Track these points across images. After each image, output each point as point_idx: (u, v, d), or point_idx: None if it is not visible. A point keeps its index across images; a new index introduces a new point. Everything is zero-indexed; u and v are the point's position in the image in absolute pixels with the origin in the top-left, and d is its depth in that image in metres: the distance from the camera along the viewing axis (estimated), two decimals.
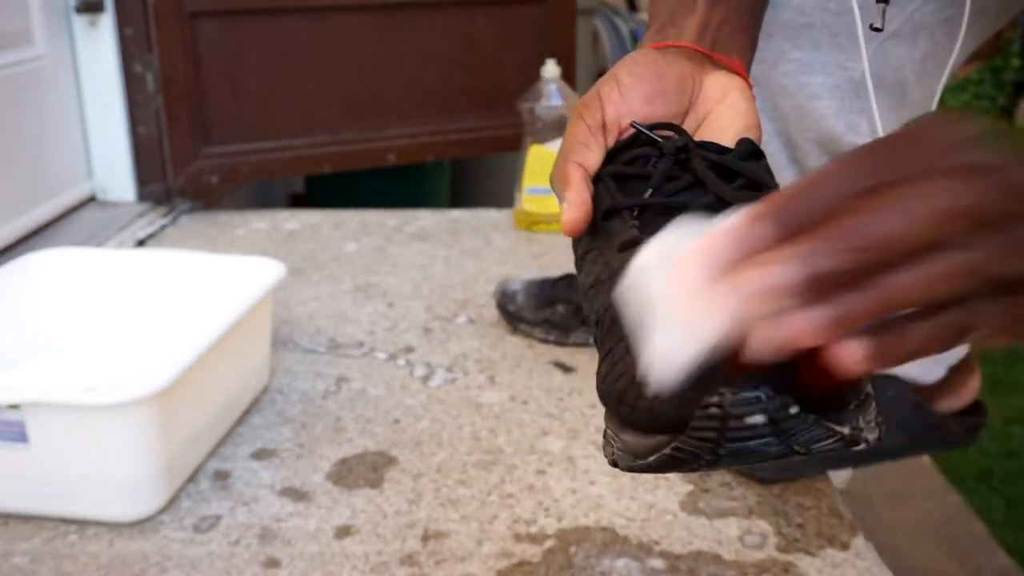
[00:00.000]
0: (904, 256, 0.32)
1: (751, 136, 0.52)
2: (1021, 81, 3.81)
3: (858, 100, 0.75)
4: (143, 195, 1.64)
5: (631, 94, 0.51)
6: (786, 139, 0.77)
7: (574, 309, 1.10)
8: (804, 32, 0.73)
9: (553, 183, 0.51)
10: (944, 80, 0.75)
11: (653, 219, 0.47)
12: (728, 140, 0.51)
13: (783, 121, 0.76)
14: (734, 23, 0.56)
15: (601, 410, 0.49)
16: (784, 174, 0.78)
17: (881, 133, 0.77)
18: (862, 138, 0.76)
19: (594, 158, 0.51)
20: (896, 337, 0.33)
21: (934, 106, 0.75)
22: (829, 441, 0.38)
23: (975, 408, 0.96)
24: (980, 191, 0.32)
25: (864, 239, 0.32)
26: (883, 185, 0.32)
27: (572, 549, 0.76)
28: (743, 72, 0.55)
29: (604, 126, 0.51)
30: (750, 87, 0.54)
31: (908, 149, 0.33)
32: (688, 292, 0.33)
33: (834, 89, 0.74)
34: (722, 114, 0.52)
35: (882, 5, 0.67)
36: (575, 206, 0.49)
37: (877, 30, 0.68)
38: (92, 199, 1.63)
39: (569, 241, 0.53)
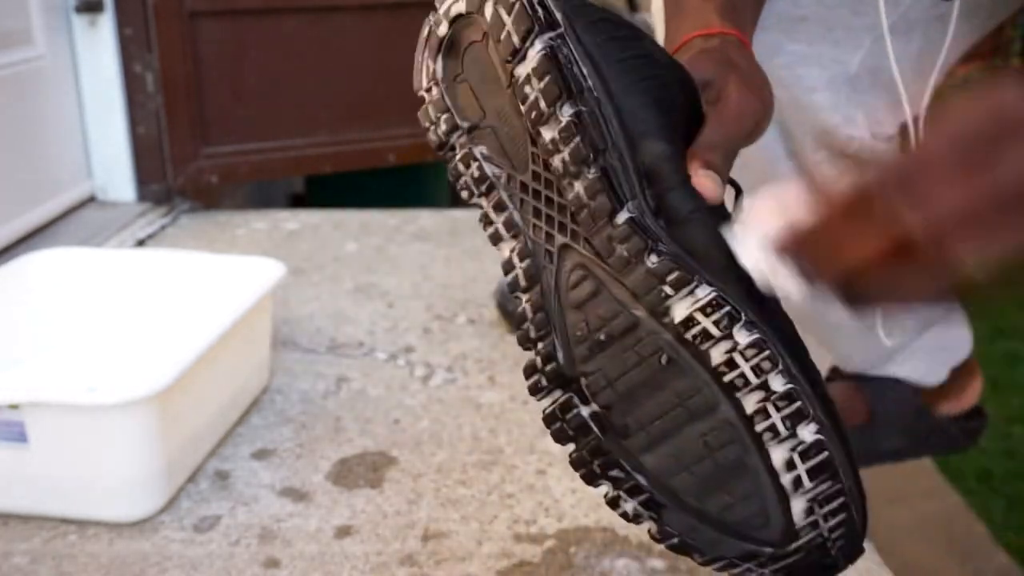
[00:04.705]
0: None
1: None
2: None
3: (855, 94, 0.75)
4: (143, 195, 1.64)
5: None
6: (782, 130, 0.77)
7: None
8: (799, 25, 0.73)
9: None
10: (936, 75, 0.75)
11: None
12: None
13: (779, 112, 0.76)
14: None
15: None
16: (781, 167, 0.78)
17: (880, 127, 0.77)
18: (859, 131, 0.76)
19: None
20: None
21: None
22: None
23: (975, 412, 0.96)
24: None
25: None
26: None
27: (572, 549, 0.76)
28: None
29: None
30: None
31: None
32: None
33: (830, 83, 0.74)
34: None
35: None
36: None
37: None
38: (92, 199, 1.63)
39: None
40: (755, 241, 0.43)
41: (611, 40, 0.48)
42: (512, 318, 1.15)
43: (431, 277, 1.35)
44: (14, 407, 0.74)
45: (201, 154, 1.66)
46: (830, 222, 0.39)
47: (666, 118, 0.48)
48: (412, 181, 2.21)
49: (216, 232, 1.56)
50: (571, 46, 0.46)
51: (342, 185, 2.04)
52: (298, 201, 2.48)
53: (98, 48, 1.57)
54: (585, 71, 0.46)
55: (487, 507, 0.82)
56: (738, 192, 0.52)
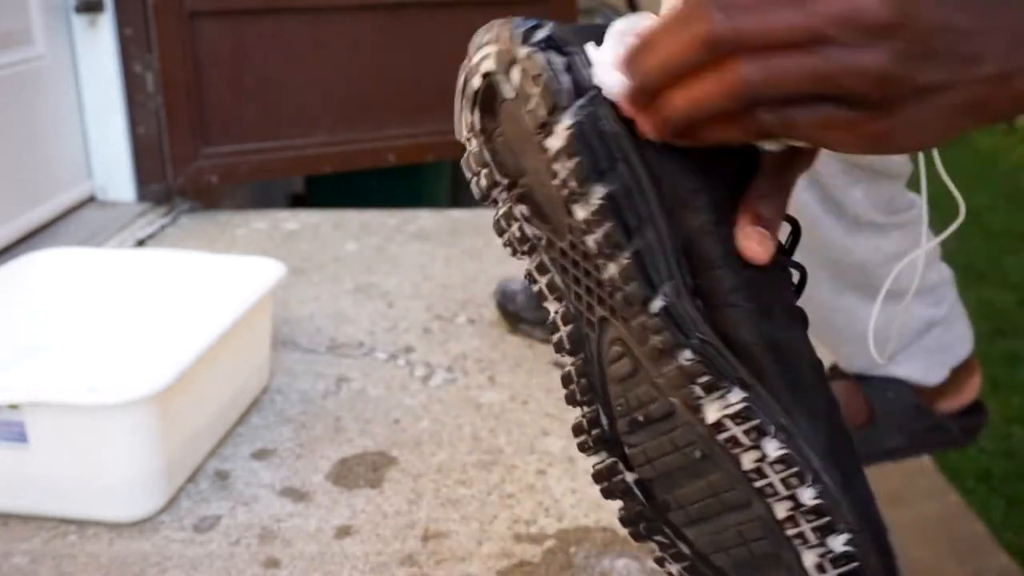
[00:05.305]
0: (794, 41, 0.36)
1: None
2: None
3: None
4: (143, 195, 1.64)
5: None
6: None
7: None
8: None
9: None
10: None
11: None
12: None
13: None
14: None
15: None
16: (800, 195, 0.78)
17: None
18: None
19: None
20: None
21: None
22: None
23: (975, 408, 0.96)
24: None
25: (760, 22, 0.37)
26: None
27: (572, 549, 0.76)
28: None
29: None
30: None
31: None
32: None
33: None
34: None
35: None
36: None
37: None
38: (92, 199, 1.63)
39: None
40: (606, 53, 0.43)
41: None
42: (511, 318, 1.15)
43: (431, 277, 1.36)
44: (14, 407, 0.74)
45: (201, 154, 1.66)
46: (659, 29, 0.40)
47: (708, 177, 0.44)
48: (412, 181, 2.22)
49: (216, 232, 1.56)
50: (603, 111, 0.43)
51: (342, 185, 2.04)
52: (298, 201, 2.48)
53: (98, 48, 1.57)
54: (618, 140, 0.43)
55: (487, 507, 0.82)
56: (794, 228, 0.49)
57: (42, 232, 1.45)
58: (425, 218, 1.63)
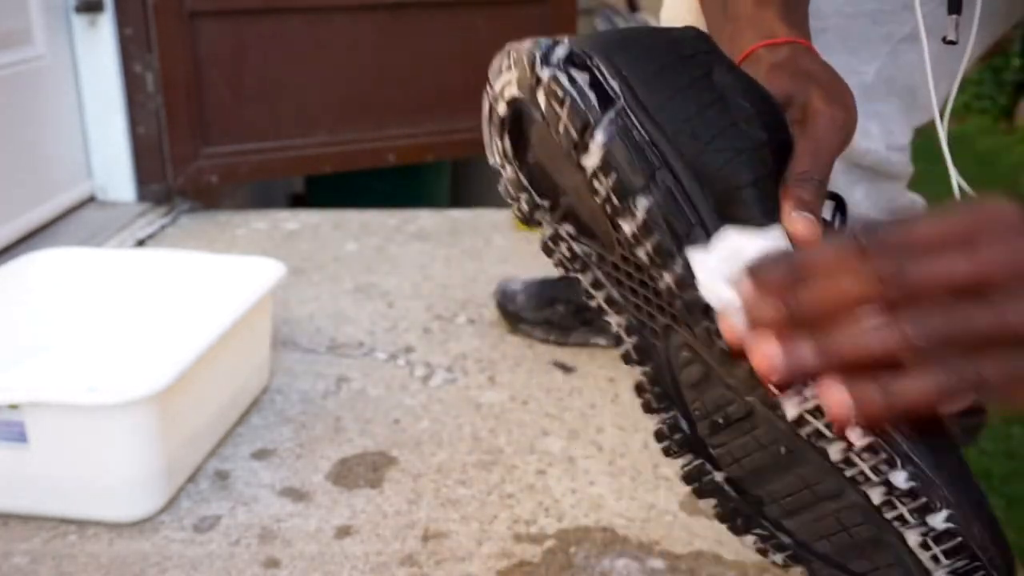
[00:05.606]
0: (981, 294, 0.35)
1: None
2: (1021, 81, 3.81)
3: (870, 104, 0.75)
4: (143, 195, 1.64)
5: None
6: None
7: (574, 309, 1.10)
8: (818, 37, 0.72)
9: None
10: (956, 83, 0.75)
11: None
12: None
13: None
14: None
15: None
16: None
17: (894, 137, 0.77)
18: (873, 143, 0.76)
19: None
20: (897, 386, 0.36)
21: (947, 108, 0.75)
22: None
23: (975, 408, 0.96)
24: None
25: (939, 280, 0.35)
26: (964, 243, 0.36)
27: (572, 549, 0.76)
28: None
29: None
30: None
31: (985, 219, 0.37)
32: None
33: None
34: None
35: (954, 16, 0.66)
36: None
37: (951, 43, 0.68)
38: (92, 199, 1.64)
39: None
40: (722, 273, 0.40)
41: (677, 94, 0.43)
42: (511, 318, 1.15)
43: (431, 277, 1.36)
44: (14, 407, 0.74)
45: (201, 154, 1.66)
46: (806, 270, 0.38)
47: (753, 169, 0.43)
48: (412, 181, 2.22)
49: (216, 232, 1.56)
50: (635, 121, 0.42)
51: (342, 185, 2.04)
52: (298, 201, 2.48)
53: (98, 48, 1.57)
54: (655, 148, 0.42)
55: (487, 507, 0.82)
56: (838, 204, 0.48)
57: (42, 232, 1.45)
58: (425, 218, 1.63)
